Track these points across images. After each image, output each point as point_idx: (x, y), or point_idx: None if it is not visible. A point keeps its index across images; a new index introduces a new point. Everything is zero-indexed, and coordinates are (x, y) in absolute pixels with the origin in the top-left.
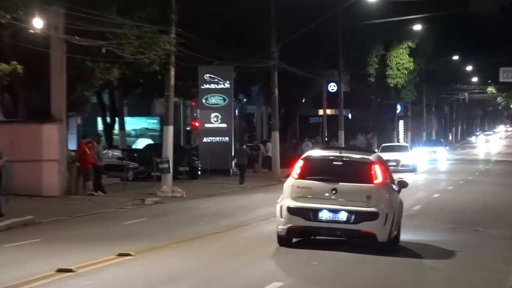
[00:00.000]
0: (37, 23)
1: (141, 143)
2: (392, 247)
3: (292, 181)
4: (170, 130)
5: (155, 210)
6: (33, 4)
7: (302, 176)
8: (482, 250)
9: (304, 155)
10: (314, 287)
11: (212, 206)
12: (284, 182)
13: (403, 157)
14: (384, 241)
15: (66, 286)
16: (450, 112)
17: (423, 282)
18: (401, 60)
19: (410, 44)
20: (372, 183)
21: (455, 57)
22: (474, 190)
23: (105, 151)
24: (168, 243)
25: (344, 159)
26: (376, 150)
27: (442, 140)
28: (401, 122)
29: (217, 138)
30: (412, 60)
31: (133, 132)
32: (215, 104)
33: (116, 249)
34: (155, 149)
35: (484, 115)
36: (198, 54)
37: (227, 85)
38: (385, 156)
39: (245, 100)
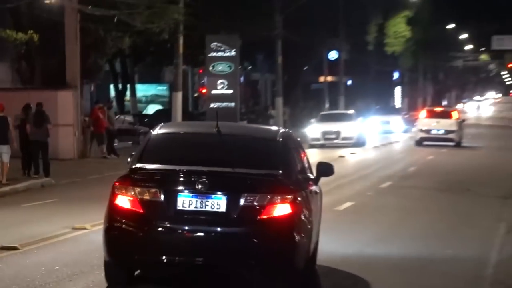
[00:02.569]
0: None
1: (151, 109)
2: None
3: None
4: (179, 96)
5: None
6: None
7: None
8: (473, 208)
9: None
10: None
11: None
12: None
13: (345, 128)
14: None
15: (82, 241)
16: (444, 79)
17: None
18: (398, 29)
19: (407, 13)
20: None
21: (451, 26)
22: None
23: (117, 116)
24: None
25: None
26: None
27: (400, 106)
28: (398, 89)
29: (224, 104)
30: (409, 28)
31: (143, 99)
32: (221, 71)
33: None
34: (165, 114)
35: (477, 82)
36: (206, 23)
37: (233, 53)
38: (323, 127)
39: (250, 67)
